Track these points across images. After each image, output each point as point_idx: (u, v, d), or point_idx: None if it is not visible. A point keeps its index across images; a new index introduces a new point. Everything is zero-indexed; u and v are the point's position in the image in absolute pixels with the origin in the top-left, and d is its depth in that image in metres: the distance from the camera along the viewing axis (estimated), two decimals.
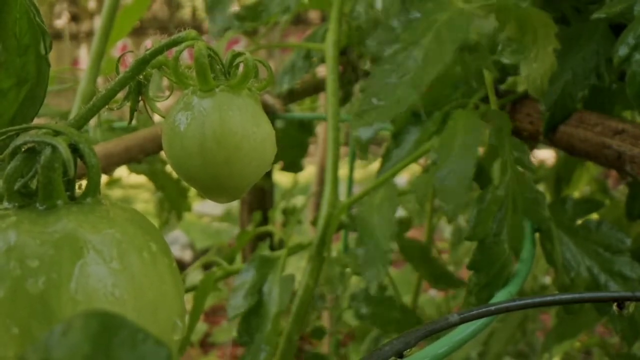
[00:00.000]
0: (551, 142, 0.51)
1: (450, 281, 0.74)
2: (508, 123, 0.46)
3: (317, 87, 0.81)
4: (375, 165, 0.59)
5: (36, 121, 0.30)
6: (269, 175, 0.92)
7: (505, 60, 0.48)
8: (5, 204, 0.20)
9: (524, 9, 0.43)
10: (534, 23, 0.45)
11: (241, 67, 0.28)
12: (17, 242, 0.19)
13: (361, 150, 0.46)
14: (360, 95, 0.45)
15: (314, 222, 0.56)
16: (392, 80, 0.43)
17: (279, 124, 0.81)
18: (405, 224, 0.76)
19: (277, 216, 1.00)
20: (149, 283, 0.20)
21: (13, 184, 0.20)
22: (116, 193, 2.54)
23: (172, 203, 0.77)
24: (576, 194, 0.87)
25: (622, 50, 0.42)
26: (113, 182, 0.98)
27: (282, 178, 1.60)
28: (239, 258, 0.72)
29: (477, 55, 0.45)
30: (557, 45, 0.45)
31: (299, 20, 3.13)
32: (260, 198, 0.91)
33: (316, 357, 0.74)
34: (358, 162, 0.82)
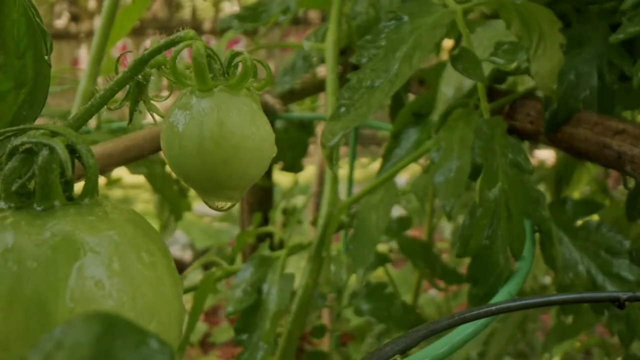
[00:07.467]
0: (552, 142, 0.50)
1: (452, 277, 0.74)
2: (502, 125, 0.45)
3: (317, 87, 0.81)
4: (375, 165, 0.59)
5: (36, 121, 0.29)
6: (269, 175, 0.91)
7: (499, 60, 0.47)
8: (3, 205, 0.20)
9: (524, 4, 0.43)
10: (538, 19, 0.44)
11: (240, 67, 0.27)
12: (14, 243, 0.19)
13: (328, 157, 0.43)
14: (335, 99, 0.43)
15: (314, 222, 0.55)
16: (366, 85, 0.42)
17: (279, 124, 0.81)
18: (405, 223, 0.76)
19: (277, 216, 1.00)
20: (147, 284, 0.20)
21: (10, 185, 0.20)
22: (116, 193, 2.54)
23: (173, 204, 0.77)
24: (576, 194, 0.86)
25: None
26: (113, 182, 0.97)
27: (282, 178, 1.60)
28: (239, 259, 0.71)
29: (465, 64, 0.45)
30: (562, 40, 0.45)
31: (299, 20, 3.13)
32: (261, 198, 0.91)
33: (317, 355, 0.74)
34: (358, 162, 0.82)
